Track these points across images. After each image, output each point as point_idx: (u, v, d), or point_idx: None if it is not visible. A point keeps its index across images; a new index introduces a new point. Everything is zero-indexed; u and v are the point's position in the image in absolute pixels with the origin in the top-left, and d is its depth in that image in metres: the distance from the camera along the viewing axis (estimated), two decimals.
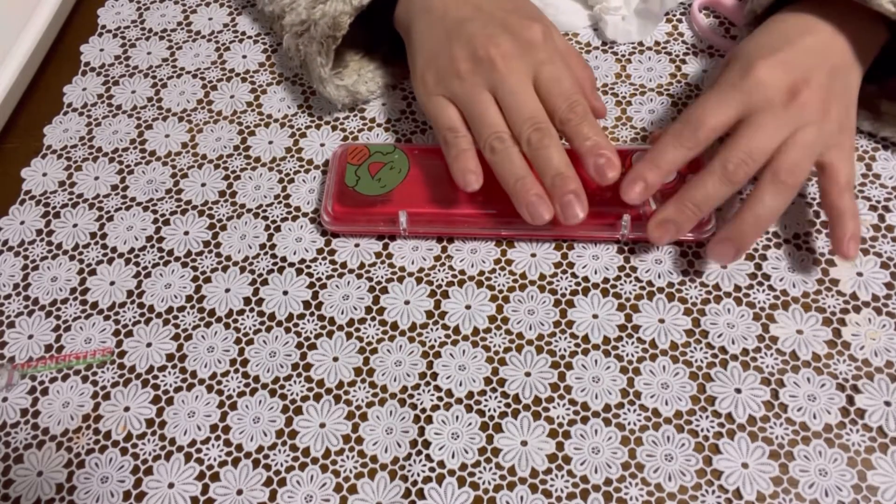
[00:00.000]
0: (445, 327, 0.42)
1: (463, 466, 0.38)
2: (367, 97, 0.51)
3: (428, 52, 0.45)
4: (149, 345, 0.43)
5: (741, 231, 0.40)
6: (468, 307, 0.43)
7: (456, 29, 0.44)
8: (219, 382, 0.41)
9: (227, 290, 0.44)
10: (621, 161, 0.40)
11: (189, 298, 0.44)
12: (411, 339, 0.42)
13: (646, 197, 0.41)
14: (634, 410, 0.39)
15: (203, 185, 0.49)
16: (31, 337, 0.43)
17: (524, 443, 0.39)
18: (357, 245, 0.45)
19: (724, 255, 0.41)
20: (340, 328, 0.43)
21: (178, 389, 0.41)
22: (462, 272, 0.44)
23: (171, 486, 0.39)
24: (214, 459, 0.39)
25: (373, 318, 0.43)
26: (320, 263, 0.45)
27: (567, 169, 0.40)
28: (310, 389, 0.41)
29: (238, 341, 0.43)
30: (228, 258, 0.46)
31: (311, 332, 0.43)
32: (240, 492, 0.38)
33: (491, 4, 0.44)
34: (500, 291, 0.43)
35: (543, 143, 0.40)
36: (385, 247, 0.45)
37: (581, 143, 0.41)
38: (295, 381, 0.41)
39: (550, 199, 0.40)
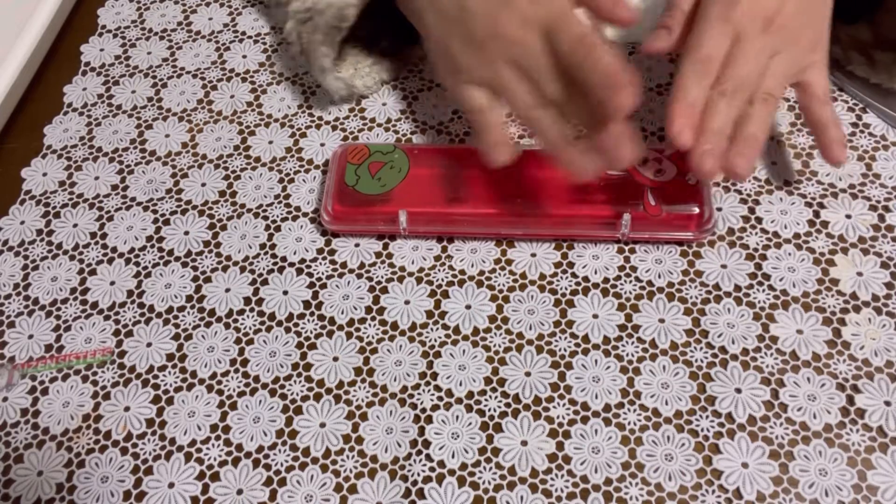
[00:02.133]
0: (445, 327, 0.42)
1: (463, 466, 0.38)
2: (364, 92, 0.51)
3: (440, 45, 0.44)
4: (149, 345, 0.43)
5: (741, 147, 0.40)
6: (468, 307, 0.43)
7: (458, 15, 0.43)
8: (219, 382, 0.41)
9: (228, 290, 0.44)
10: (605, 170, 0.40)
11: (189, 298, 0.44)
12: (411, 339, 0.42)
13: (693, 136, 0.39)
14: (634, 410, 0.39)
15: (203, 184, 0.49)
16: (31, 337, 0.43)
17: (524, 443, 0.39)
18: (357, 245, 0.45)
19: (714, 171, 0.40)
20: (340, 328, 0.43)
21: (178, 389, 0.41)
22: (462, 272, 0.44)
23: (171, 485, 0.39)
24: (214, 459, 0.39)
25: (373, 318, 0.43)
26: (320, 263, 0.45)
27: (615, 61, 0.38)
28: (310, 389, 0.41)
29: (238, 341, 0.43)
30: (228, 258, 0.46)
31: (311, 332, 0.43)
32: (240, 491, 0.38)
33: None
34: (500, 291, 0.43)
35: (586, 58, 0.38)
36: (385, 247, 0.45)
37: (592, 70, 0.38)
38: (295, 381, 0.41)
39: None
